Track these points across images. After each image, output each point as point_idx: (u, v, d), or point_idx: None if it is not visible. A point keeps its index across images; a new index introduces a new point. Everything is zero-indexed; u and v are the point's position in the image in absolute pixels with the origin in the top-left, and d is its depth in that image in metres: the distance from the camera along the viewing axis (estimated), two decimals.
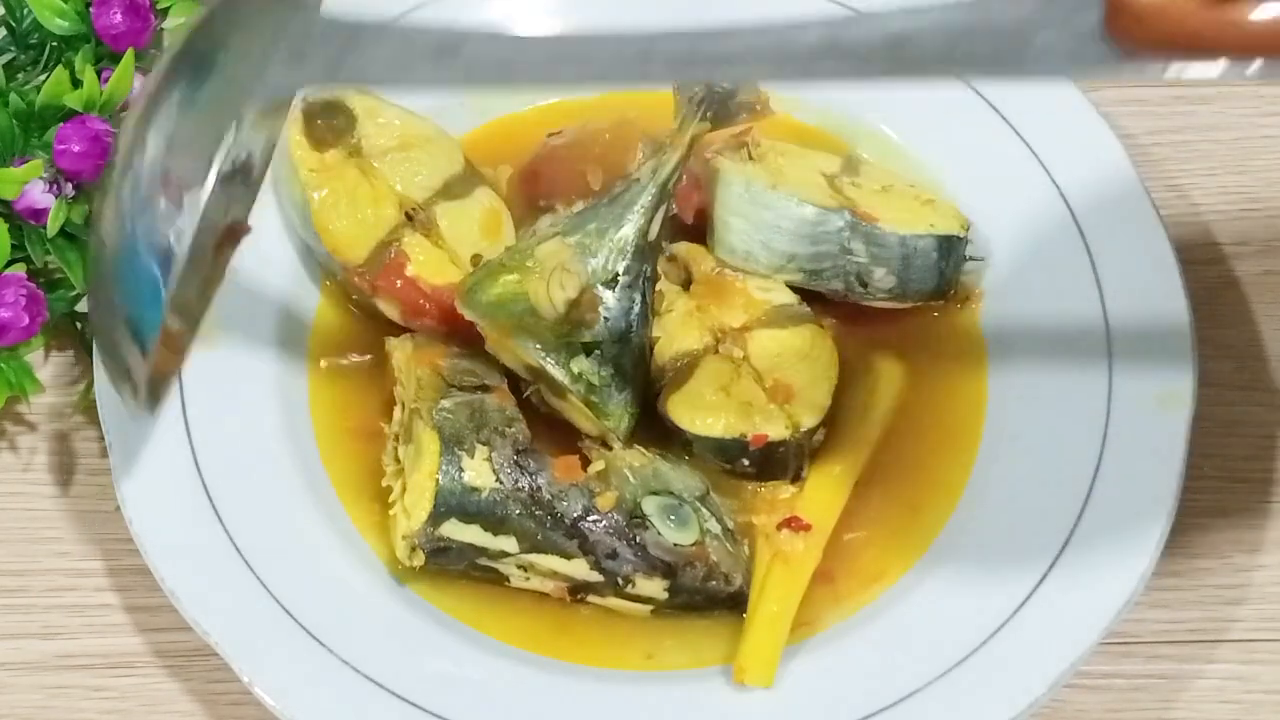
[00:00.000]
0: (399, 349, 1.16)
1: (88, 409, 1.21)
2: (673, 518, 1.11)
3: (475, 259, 1.18)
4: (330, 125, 1.21)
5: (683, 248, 1.21)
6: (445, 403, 1.12)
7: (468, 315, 1.14)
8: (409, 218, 1.19)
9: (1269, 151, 1.34)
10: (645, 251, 1.15)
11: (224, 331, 1.17)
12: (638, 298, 1.15)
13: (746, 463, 1.15)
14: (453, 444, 1.10)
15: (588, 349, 1.13)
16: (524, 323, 1.13)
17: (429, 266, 1.18)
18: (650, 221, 1.16)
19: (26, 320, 1.16)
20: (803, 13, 1.25)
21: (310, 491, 1.14)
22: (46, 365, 1.24)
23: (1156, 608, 1.17)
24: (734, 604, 1.12)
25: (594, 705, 1.08)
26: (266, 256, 1.20)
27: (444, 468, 1.10)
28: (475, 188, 1.21)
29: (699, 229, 1.21)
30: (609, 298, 1.14)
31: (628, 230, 1.15)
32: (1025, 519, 1.13)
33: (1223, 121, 1.34)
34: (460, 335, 1.17)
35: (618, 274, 1.14)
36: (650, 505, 1.11)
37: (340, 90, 1.21)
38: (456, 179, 1.21)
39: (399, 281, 1.18)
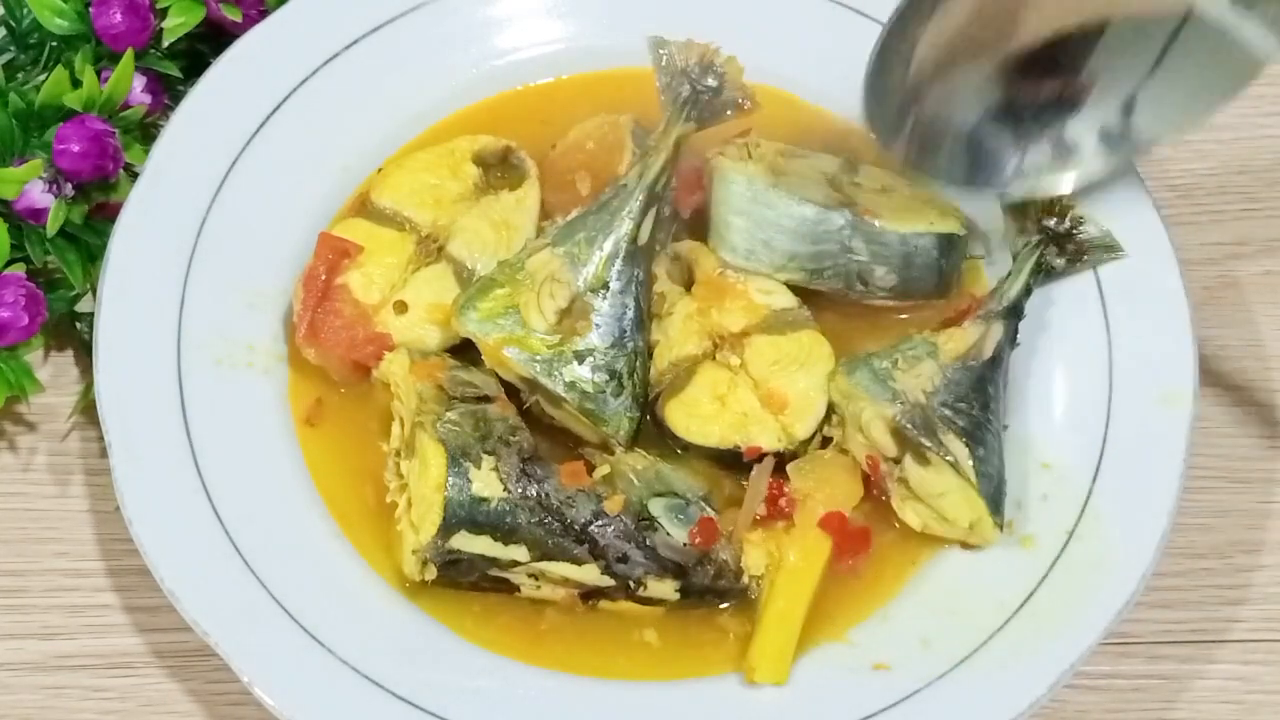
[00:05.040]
0: (395, 363, 1.15)
1: (88, 409, 1.21)
2: (680, 517, 1.11)
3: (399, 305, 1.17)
4: None
5: (685, 247, 1.21)
6: (450, 415, 1.12)
7: (462, 331, 1.14)
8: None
9: (1269, 151, 1.34)
10: (637, 256, 1.15)
11: (224, 333, 1.17)
12: (631, 303, 1.15)
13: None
14: (458, 455, 1.10)
15: (580, 357, 1.13)
16: (515, 335, 1.13)
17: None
18: (639, 226, 1.16)
19: (26, 320, 1.16)
20: (802, 13, 1.29)
21: (310, 492, 1.14)
22: (46, 365, 1.24)
23: (1156, 608, 1.17)
24: (743, 597, 1.12)
25: (600, 706, 1.08)
26: (267, 260, 1.20)
27: (451, 479, 1.09)
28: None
29: (700, 227, 1.21)
30: (600, 305, 1.14)
31: (617, 236, 1.15)
32: (1026, 519, 1.13)
33: (1223, 121, 1.34)
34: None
35: (608, 281, 1.14)
36: (657, 506, 1.11)
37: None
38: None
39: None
